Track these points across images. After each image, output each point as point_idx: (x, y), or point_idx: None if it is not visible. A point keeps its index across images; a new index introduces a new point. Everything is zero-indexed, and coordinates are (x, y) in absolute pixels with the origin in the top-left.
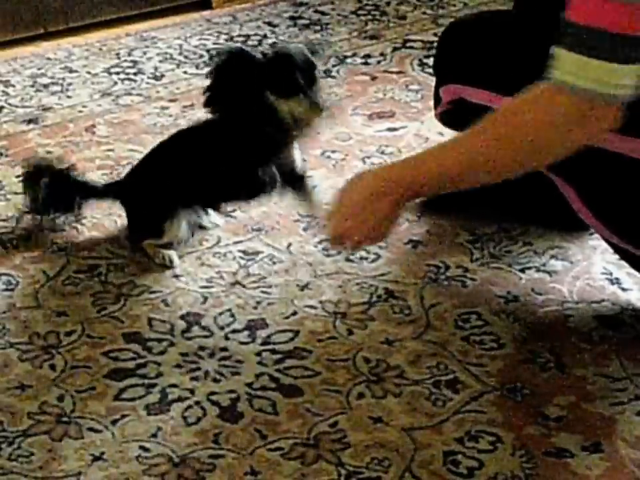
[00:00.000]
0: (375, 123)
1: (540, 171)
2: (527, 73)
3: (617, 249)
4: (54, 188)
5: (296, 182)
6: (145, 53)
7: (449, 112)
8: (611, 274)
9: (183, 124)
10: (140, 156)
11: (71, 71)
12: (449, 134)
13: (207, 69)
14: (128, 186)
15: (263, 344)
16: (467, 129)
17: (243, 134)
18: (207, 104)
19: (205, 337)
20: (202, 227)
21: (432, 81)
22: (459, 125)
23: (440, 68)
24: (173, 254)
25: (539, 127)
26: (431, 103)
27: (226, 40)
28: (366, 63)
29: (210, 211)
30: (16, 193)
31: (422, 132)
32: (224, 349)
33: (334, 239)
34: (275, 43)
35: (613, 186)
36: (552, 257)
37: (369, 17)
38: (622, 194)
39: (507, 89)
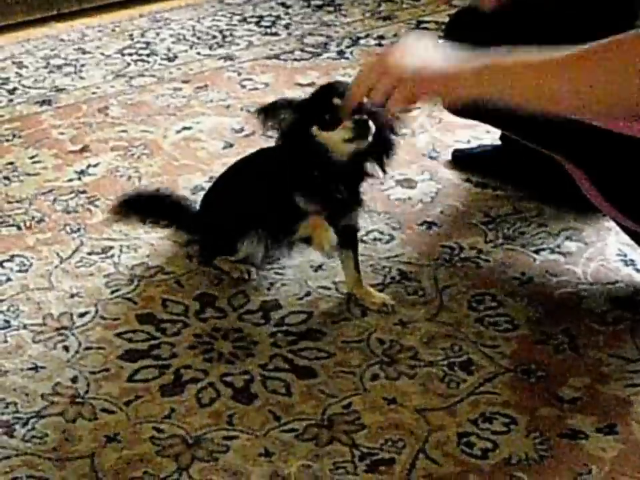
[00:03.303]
0: None
1: (552, 154)
2: None
3: (629, 232)
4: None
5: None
6: (158, 34)
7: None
8: (625, 255)
9: (196, 105)
10: (153, 137)
11: (84, 52)
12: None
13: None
14: (201, 214)
15: (276, 325)
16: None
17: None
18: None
19: (219, 318)
20: None
21: None
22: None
23: None
24: (249, 267)
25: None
26: None
27: (239, 21)
28: (380, 44)
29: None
30: (29, 174)
31: (435, 113)
32: (238, 330)
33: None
34: (289, 24)
35: (623, 169)
36: (566, 238)
37: None
38: (632, 177)
39: None
